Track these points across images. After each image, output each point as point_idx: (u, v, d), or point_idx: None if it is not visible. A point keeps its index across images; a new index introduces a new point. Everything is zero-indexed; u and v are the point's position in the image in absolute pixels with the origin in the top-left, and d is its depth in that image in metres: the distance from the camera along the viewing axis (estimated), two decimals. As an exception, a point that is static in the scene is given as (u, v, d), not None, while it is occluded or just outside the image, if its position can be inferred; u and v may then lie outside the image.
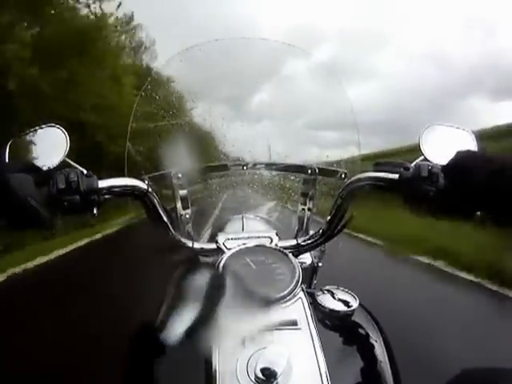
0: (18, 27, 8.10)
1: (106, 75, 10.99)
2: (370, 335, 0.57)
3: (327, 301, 0.58)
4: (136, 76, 12.38)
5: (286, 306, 0.51)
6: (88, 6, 10.25)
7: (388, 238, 5.68)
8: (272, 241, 0.67)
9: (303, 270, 0.59)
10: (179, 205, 0.73)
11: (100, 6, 10.49)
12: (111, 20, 12.01)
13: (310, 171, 0.78)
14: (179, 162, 0.72)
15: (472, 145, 0.58)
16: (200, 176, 0.84)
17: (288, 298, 0.52)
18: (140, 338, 0.61)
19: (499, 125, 10.84)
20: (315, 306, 0.57)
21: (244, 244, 0.63)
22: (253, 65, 0.88)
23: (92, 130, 10.14)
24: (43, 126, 0.57)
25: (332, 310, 0.56)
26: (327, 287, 0.61)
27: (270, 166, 0.86)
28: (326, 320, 0.56)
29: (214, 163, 0.86)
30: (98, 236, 7.52)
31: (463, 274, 3.71)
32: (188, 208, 0.74)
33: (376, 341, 0.57)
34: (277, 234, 0.69)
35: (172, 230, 0.65)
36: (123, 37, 14.44)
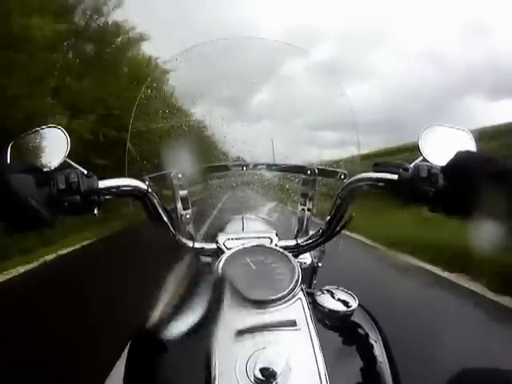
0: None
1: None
2: (370, 335, 0.58)
3: (327, 301, 0.58)
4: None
5: (285, 306, 0.51)
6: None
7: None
8: (272, 241, 0.67)
9: (303, 270, 0.59)
10: (179, 205, 0.73)
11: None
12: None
13: (309, 172, 0.78)
14: (179, 162, 0.72)
15: (471, 145, 0.58)
16: (200, 176, 0.84)
17: (287, 298, 0.52)
18: (139, 338, 0.62)
19: (500, 123, 10.83)
20: (315, 306, 0.57)
21: (244, 244, 0.63)
22: (252, 65, 0.88)
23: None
24: (44, 127, 0.58)
25: (331, 310, 0.56)
26: (327, 287, 0.61)
27: (269, 166, 0.87)
28: (326, 320, 0.56)
29: (214, 164, 0.86)
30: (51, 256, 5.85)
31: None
32: (188, 208, 0.75)
33: (375, 341, 0.57)
34: (276, 235, 0.69)
35: (172, 230, 0.66)
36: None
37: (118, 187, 0.55)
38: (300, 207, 0.81)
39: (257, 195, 1.02)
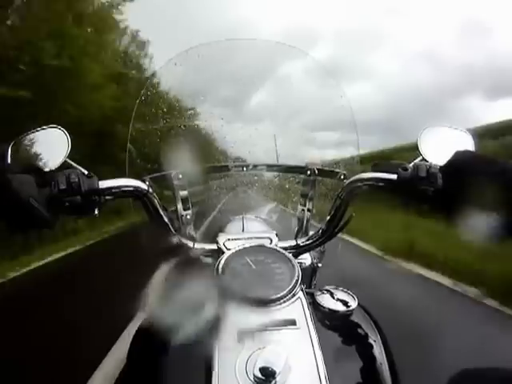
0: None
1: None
2: (369, 335, 0.58)
3: (326, 301, 0.58)
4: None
5: (285, 305, 0.51)
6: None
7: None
8: (272, 241, 0.67)
9: (303, 270, 0.60)
10: (180, 205, 0.74)
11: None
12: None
13: (309, 172, 0.79)
14: (179, 162, 0.72)
15: (470, 145, 0.59)
16: (200, 177, 0.85)
17: (287, 297, 0.52)
18: (139, 338, 0.62)
19: (501, 121, 10.81)
20: (314, 305, 0.57)
21: (244, 244, 0.63)
22: (252, 66, 0.89)
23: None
24: (45, 127, 0.58)
25: (331, 310, 0.57)
26: (326, 287, 0.61)
27: (269, 167, 0.87)
28: (325, 320, 0.56)
29: (214, 164, 0.86)
30: None
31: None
32: (189, 209, 0.75)
33: (375, 341, 0.57)
34: (276, 235, 0.69)
35: (173, 231, 0.66)
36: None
37: (118, 187, 0.55)
38: (300, 207, 0.81)
39: (257, 196, 1.02)
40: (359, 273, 3.91)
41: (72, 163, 0.55)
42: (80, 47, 8.87)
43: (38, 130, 0.58)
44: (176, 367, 0.53)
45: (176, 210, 0.73)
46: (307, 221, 0.79)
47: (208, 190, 0.97)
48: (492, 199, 0.48)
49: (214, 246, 0.68)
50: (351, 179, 0.61)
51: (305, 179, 0.80)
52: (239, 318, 0.49)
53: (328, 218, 0.66)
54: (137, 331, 0.62)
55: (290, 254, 0.60)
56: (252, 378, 0.42)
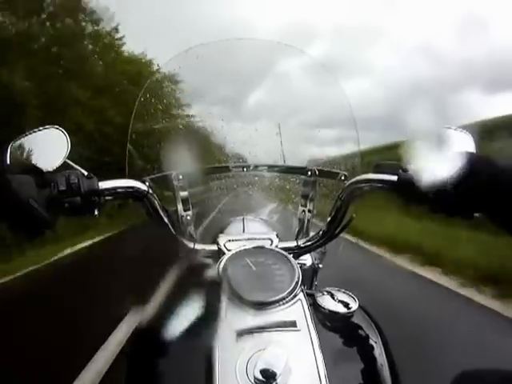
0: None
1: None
2: (370, 337, 0.58)
3: (327, 302, 0.58)
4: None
5: (285, 307, 0.51)
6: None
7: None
8: (272, 242, 0.67)
9: (303, 271, 0.59)
10: (180, 206, 0.73)
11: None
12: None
13: (310, 173, 0.79)
14: (180, 163, 0.72)
15: (471, 146, 0.59)
16: (201, 177, 0.85)
17: (287, 299, 0.52)
18: (140, 339, 0.62)
19: (505, 115, 10.76)
20: (315, 307, 0.57)
21: (244, 245, 0.63)
22: (250, 65, 0.89)
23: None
24: (44, 127, 0.58)
25: (331, 312, 0.56)
26: (327, 289, 0.61)
27: (270, 167, 0.87)
28: (326, 321, 0.56)
29: (214, 165, 0.86)
30: None
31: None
32: (189, 209, 0.75)
33: (375, 342, 0.57)
34: (277, 236, 0.69)
35: (173, 232, 0.66)
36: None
37: (118, 188, 0.55)
38: (301, 208, 0.81)
39: (257, 196, 1.01)
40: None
41: (72, 164, 0.54)
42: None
43: (37, 131, 0.57)
44: (176, 368, 0.53)
45: (176, 211, 0.73)
46: (308, 221, 0.79)
47: (208, 190, 0.97)
48: (493, 200, 0.47)
49: (215, 247, 0.68)
50: (352, 180, 0.61)
51: (305, 180, 0.80)
52: (239, 319, 0.49)
53: (329, 218, 0.66)
54: (136, 332, 0.62)
55: (291, 255, 0.60)
56: (252, 380, 0.42)
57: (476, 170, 0.48)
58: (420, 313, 2.79)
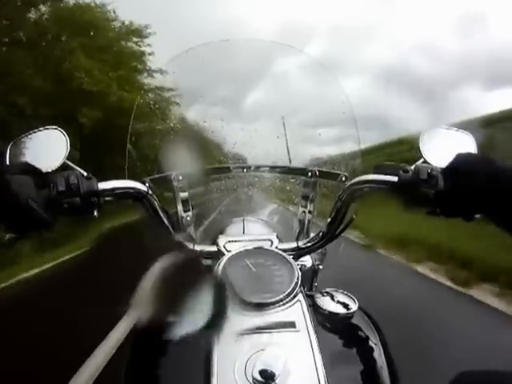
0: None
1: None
2: (369, 338, 0.57)
3: (326, 303, 0.58)
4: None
5: (284, 308, 0.51)
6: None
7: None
8: (272, 243, 0.67)
9: (303, 272, 0.59)
10: (180, 207, 0.73)
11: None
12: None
13: (310, 174, 0.78)
14: (179, 164, 0.72)
15: (472, 147, 0.58)
16: (201, 178, 0.84)
17: (287, 300, 0.52)
18: (138, 340, 0.62)
19: (505, 109, 10.75)
20: (314, 308, 0.57)
21: (244, 246, 0.63)
22: (250, 66, 0.89)
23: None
24: (43, 128, 0.58)
25: (331, 313, 0.56)
26: (327, 290, 0.61)
27: (270, 168, 0.87)
28: (325, 322, 0.56)
29: (214, 165, 0.86)
30: None
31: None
32: (189, 210, 0.74)
33: (375, 344, 0.57)
34: (277, 237, 0.69)
35: (173, 233, 0.65)
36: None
37: (117, 189, 0.55)
38: (301, 209, 0.80)
39: (258, 197, 1.01)
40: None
41: (71, 164, 0.54)
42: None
43: (36, 131, 0.57)
44: (174, 369, 0.53)
45: (176, 212, 0.73)
46: (308, 222, 0.79)
47: (208, 191, 0.97)
48: (493, 202, 0.47)
49: (214, 248, 0.68)
50: (352, 181, 0.60)
51: (306, 181, 0.80)
52: (238, 320, 0.49)
53: (329, 219, 0.66)
54: (135, 333, 0.62)
55: (290, 257, 0.60)
56: (251, 381, 0.42)
57: (476, 170, 0.48)
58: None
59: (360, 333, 0.58)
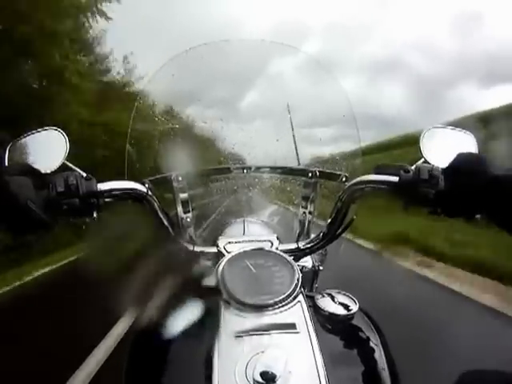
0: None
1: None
2: (370, 339, 0.57)
3: (327, 304, 0.57)
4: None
5: (284, 309, 0.51)
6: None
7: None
8: (272, 244, 0.67)
9: (304, 273, 0.59)
10: (180, 208, 0.73)
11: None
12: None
13: (310, 174, 0.78)
14: (179, 164, 0.72)
15: (473, 147, 0.58)
16: (201, 179, 0.84)
17: (287, 301, 0.52)
18: (139, 342, 0.61)
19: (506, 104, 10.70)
20: (315, 309, 0.57)
21: (244, 247, 0.62)
22: (248, 66, 0.89)
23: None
24: (43, 128, 0.57)
25: (332, 314, 0.56)
26: (327, 291, 0.61)
27: (270, 169, 0.86)
28: (326, 324, 0.56)
29: (214, 166, 0.86)
30: None
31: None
32: (189, 212, 0.74)
33: (376, 345, 0.56)
34: (277, 238, 0.69)
35: (172, 234, 0.65)
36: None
37: (117, 190, 0.55)
38: (301, 210, 0.80)
39: (258, 198, 1.01)
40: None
41: (70, 165, 0.54)
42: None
43: (35, 132, 0.57)
44: (175, 371, 0.53)
45: (176, 213, 0.73)
46: (308, 223, 0.79)
47: (208, 192, 0.97)
48: (494, 201, 0.47)
49: (214, 249, 0.68)
50: (352, 181, 0.60)
51: (306, 181, 0.80)
52: (238, 321, 0.49)
53: (329, 220, 0.66)
54: (136, 335, 0.62)
55: (291, 258, 0.60)
56: (252, 383, 0.41)
57: (477, 170, 0.48)
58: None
59: (361, 334, 0.58)
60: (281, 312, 0.50)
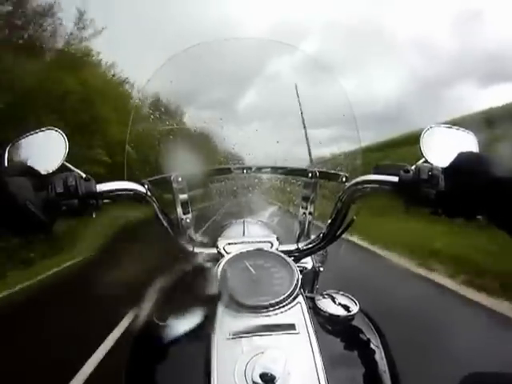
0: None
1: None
2: (370, 340, 0.57)
3: (327, 305, 0.57)
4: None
5: (284, 310, 0.51)
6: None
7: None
8: (272, 245, 0.66)
9: (304, 274, 0.59)
10: (179, 209, 0.73)
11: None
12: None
13: (310, 175, 0.78)
14: (179, 165, 0.72)
15: (473, 146, 0.58)
16: (200, 180, 0.84)
17: (286, 302, 0.51)
18: (138, 343, 0.61)
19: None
20: (315, 310, 0.56)
21: (244, 248, 0.62)
22: (248, 66, 0.88)
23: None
24: (42, 129, 0.57)
25: (332, 315, 0.56)
26: (327, 291, 0.61)
27: (270, 169, 0.86)
28: (326, 324, 0.56)
29: (215, 166, 0.86)
30: None
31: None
32: (188, 212, 0.74)
33: (376, 346, 0.56)
34: (277, 239, 0.69)
35: (172, 235, 0.65)
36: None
37: (116, 191, 0.55)
38: (301, 211, 0.80)
39: (258, 199, 1.01)
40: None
41: (70, 166, 0.54)
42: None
43: (35, 133, 0.57)
44: (174, 372, 0.52)
45: (176, 214, 0.73)
46: (309, 224, 0.78)
47: (208, 193, 0.97)
48: (495, 201, 0.47)
49: (214, 250, 0.67)
50: (353, 182, 0.60)
51: (306, 182, 0.80)
52: (238, 322, 0.49)
53: (329, 221, 0.65)
54: (135, 336, 0.62)
55: (290, 258, 0.60)
56: None
57: (478, 170, 0.47)
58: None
59: (361, 335, 0.57)
60: (280, 313, 0.50)
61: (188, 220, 0.74)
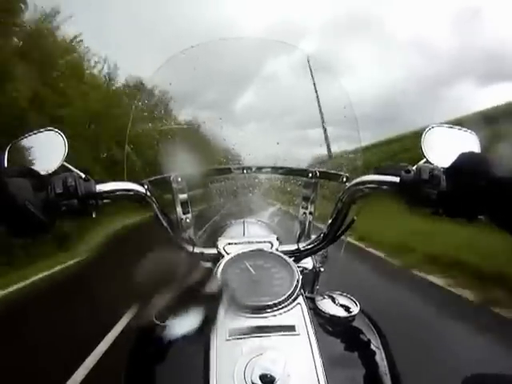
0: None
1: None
2: (371, 341, 0.57)
3: (327, 306, 0.57)
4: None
5: (284, 311, 0.50)
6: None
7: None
8: (272, 245, 0.66)
9: (304, 275, 0.59)
10: (179, 209, 0.73)
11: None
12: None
13: (311, 175, 0.78)
14: (179, 165, 0.71)
15: (475, 146, 0.58)
16: (200, 180, 0.84)
17: (286, 303, 0.51)
18: (137, 343, 0.61)
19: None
20: (315, 311, 0.56)
21: (244, 249, 0.62)
22: (248, 65, 0.88)
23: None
24: (42, 129, 0.57)
25: (332, 316, 0.56)
26: (328, 292, 0.60)
27: (271, 169, 0.86)
28: (326, 325, 0.56)
29: (215, 166, 0.85)
30: None
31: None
32: (188, 212, 0.74)
33: (377, 347, 0.56)
34: (278, 239, 0.68)
35: (172, 235, 0.65)
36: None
37: (116, 191, 0.55)
38: (302, 211, 0.80)
39: (258, 199, 1.01)
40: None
41: (69, 166, 0.54)
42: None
43: (34, 133, 0.57)
44: (173, 373, 0.52)
45: (176, 214, 0.72)
46: (309, 224, 0.78)
47: (208, 193, 0.97)
48: (496, 202, 0.46)
49: (214, 251, 0.67)
50: (353, 182, 0.60)
51: (306, 182, 0.79)
52: (237, 323, 0.48)
53: (330, 221, 0.65)
54: (134, 336, 0.62)
55: (290, 259, 0.59)
56: None
57: (480, 170, 0.47)
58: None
59: (361, 336, 0.57)
60: (280, 314, 0.50)
61: (188, 220, 0.73)
